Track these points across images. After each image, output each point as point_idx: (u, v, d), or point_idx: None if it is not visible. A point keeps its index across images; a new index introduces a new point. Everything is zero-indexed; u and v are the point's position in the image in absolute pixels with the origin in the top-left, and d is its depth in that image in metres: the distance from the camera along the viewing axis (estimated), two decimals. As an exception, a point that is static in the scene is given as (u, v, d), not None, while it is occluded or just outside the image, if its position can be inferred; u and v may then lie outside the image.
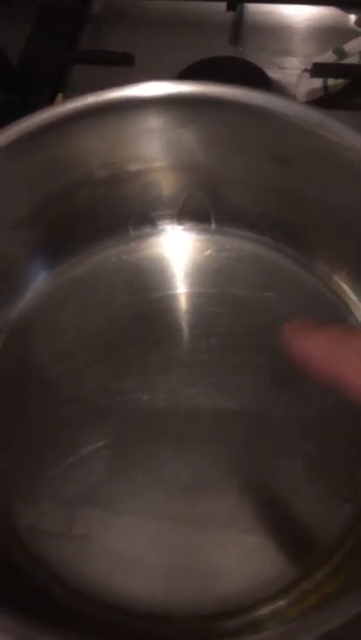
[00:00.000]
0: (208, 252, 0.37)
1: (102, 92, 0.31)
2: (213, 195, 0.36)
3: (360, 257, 0.34)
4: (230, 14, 0.52)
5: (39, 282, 0.37)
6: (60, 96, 0.48)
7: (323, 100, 0.47)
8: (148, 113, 0.32)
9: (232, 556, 0.29)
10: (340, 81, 0.47)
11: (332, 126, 0.30)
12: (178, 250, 0.37)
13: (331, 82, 0.47)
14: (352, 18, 0.53)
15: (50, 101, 0.48)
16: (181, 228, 0.38)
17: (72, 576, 0.29)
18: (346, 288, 0.35)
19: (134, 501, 0.31)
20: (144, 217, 0.37)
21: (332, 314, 0.34)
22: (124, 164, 0.35)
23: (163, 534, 0.30)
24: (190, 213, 0.37)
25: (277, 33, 0.53)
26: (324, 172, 0.32)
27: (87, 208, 0.36)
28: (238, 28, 0.53)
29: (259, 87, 0.44)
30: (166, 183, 0.36)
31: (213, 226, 0.37)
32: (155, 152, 0.34)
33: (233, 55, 0.51)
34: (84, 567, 0.30)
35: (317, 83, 0.47)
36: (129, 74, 0.48)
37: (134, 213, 0.37)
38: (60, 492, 0.31)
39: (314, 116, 0.30)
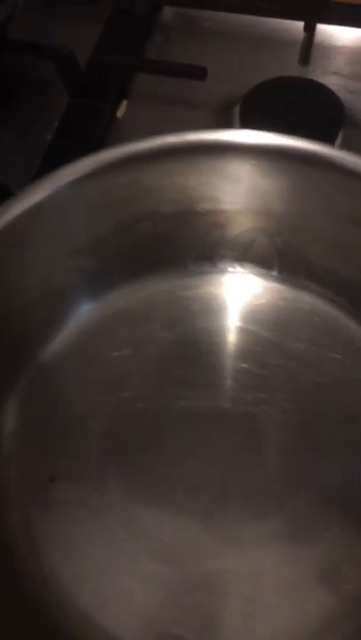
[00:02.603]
0: (266, 298, 0.36)
1: (186, 133, 0.30)
2: (281, 243, 0.35)
3: None
4: (302, 33, 0.51)
5: (86, 311, 0.36)
6: (124, 103, 0.47)
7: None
8: (232, 160, 0.31)
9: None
10: None
11: None
12: (235, 292, 0.36)
13: None
14: None
15: (114, 108, 0.46)
16: (243, 270, 0.37)
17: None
18: None
19: (151, 548, 0.30)
20: (205, 255, 0.36)
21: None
22: (193, 203, 0.34)
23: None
24: (254, 258, 0.36)
25: (349, 56, 0.51)
26: None
27: (148, 241, 0.35)
28: (310, 47, 0.51)
29: (330, 110, 0.44)
30: (234, 225, 0.35)
31: (276, 273, 0.36)
32: (228, 196, 0.33)
33: (303, 76, 0.49)
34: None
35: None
36: (195, 87, 0.46)
37: (196, 250, 0.36)
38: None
39: None
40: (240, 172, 0.32)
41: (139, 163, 0.30)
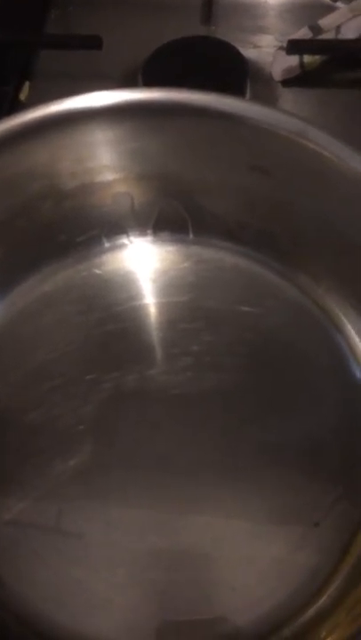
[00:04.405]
0: (185, 264, 0.35)
1: (54, 102, 0.28)
2: (190, 204, 0.34)
3: (347, 268, 0.32)
4: (203, -7, 0.49)
5: (5, 300, 0.34)
6: (27, 84, 0.46)
7: (299, 78, 0.45)
8: (105, 124, 0.30)
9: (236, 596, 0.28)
10: (317, 58, 0.45)
11: (316, 136, 0.28)
12: (153, 262, 0.35)
13: (307, 59, 0.45)
14: (328, -8, 0.50)
15: (17, 89, 0.45)
16: (158, 238, 0.35)
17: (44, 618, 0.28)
18: (331, 301, 0.33)
19: (110, 533, 0.29)
20: (118, 228, 0.35)
21: (316, 329, 0.33)
22: (91, 175, 0.32)
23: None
24: (166, 224, 0.35)
25: (251, 11, 0.51)
26: (308, 181, 0.30)
27: (56, 221, 0.33)
28: (210, 6, 0.50)
29: (235, 66, 0.43)
30: (139, 193, 0.34)
31: (191, 236, 0.35)
32: (121, 162, 0.32)
33: (206, 35, 0.48)
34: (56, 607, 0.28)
35: (294, 60, 0.45)
36: (97, 58, 0.45)
37: (107, 225, 0.35)
38: (32, 522, 0.30)
39: (296, 125, 0.28)
40: (123, 135, 0.31)
41: (22, 138, 0.29)
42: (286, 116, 0.28)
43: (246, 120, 0.28)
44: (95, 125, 0.30)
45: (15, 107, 0.45)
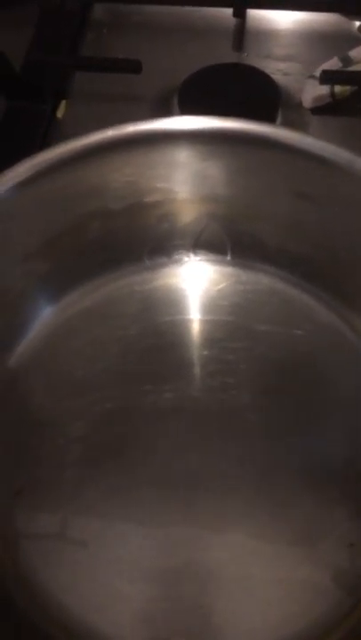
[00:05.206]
0: (223, 284, 0.36)
1: (122, 126, 0.30)
2: (231, 227, 0.35)
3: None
4: (234, 19, 0.51)
5: (48, 314, 0.35)
6: (63, 103, 0.47)
7: (330, 107, 0.46)
8: (173, 147, 0.31)
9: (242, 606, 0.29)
10: (347, 87, 0.46)
11: (361, 167, 0.29)
12: (192, 281, 0.37)
13: (338, 88, 0.46)
14: (356, 24, 0.52)
15: (54, 108, 0.46)
16: (197, 258, 0.37)
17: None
18: (365, 325, 0.34)
19: (143, 549, 0.30)
20: (159, 247, 0.36)
21: (351, 353, 0.34)
22: (141, 196, 0.34)
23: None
24: (206, 245, 0.36)
25: (281, 39, 0.52)
26: (350, 210, 0.31)
27: (101, 239, 0.35)
28: (242, 33, 0.51)
29: (266, 93, 0.45)
30: (184, 214, 0.35)
31: (229, 258, 0.36)
32: (175, 185, 0.33)
33: (237, 61, 0.50)
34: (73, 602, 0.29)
35: (324, 89, 0.46)
36: (132, 80, 0.46)
37: (149, 243, 0.36)
38: (65, 533, 0.30)
39: (344, 156, 0.29)
40: (180, 158, 0.32)
41: (80, 161, 0.30)
42: (335, 147, 0.29)
43: (299, 151, 0.29)
44: (152, 150, 0.31)
45: (53, 124, 0.46)
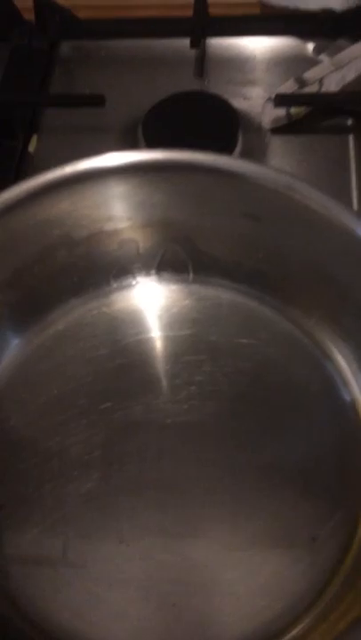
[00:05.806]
0: (187, 301, 0.38)
1: (72, 163, 0.32)
2: (190, 247, 0.37)
3: (334, 302, 0.36)
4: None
5: (19, 340, 0.37)
6: (34, 138, 0.49)
7: (288, 127, 0.49)
8: (115, 180, 0.33)
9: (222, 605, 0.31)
10: (303, 108, 0.48)
11: (302, 189, 0.31)
12: (157, 300, 0.39)
13: (294, 109, 0.49)
14: (310, 46, 0.54)
15: (25, 143, 0.48)
16: (161, 278, 0.39)
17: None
18: (321, 332, 0.36)
19: (122, 551, 0.32)
20: (124, 270, 0.38)
21: (308, 358, 0.36)
22: (100, 225, 0.36)
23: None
24: (168, 265, 0.38)
25: (241, 65, 0.54)
26: (295, 227, 0.33)
27: (68, 266, 0.37)
28: (203, 62, 0.54)
29: (227, 118, 0.47)
30: (143, 239, 0.37)
31: (191, 276, 0.38)
32: (127, 213, 0.36)
33: (200, 89, 0.52)
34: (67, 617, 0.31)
35: (281, 111, 0.49)
36: (100, 112, 0.49)
37: (114, 267, 0.38)
38: (46, 549, 0.32)
39: (282, 180, 0.31)
40: (119, 191, 0.34)
41: (48, 192, 0.33)
42: (275, 171, 0.32)
43: (239, 175, 0.32)
44: (108, 182, 0.33)
45: (25, 158, 0.48)
